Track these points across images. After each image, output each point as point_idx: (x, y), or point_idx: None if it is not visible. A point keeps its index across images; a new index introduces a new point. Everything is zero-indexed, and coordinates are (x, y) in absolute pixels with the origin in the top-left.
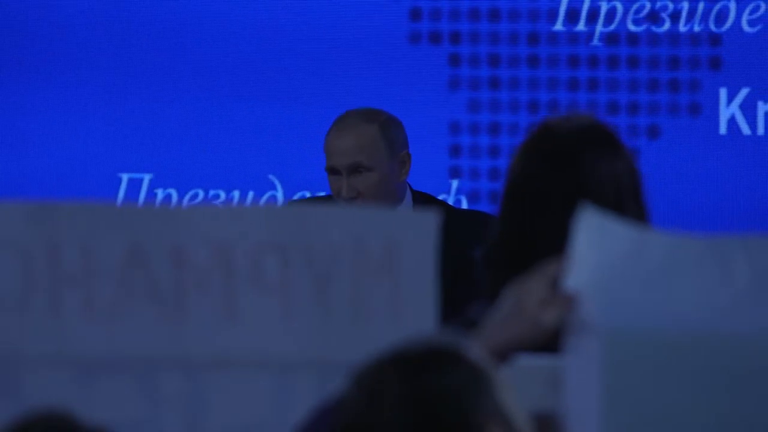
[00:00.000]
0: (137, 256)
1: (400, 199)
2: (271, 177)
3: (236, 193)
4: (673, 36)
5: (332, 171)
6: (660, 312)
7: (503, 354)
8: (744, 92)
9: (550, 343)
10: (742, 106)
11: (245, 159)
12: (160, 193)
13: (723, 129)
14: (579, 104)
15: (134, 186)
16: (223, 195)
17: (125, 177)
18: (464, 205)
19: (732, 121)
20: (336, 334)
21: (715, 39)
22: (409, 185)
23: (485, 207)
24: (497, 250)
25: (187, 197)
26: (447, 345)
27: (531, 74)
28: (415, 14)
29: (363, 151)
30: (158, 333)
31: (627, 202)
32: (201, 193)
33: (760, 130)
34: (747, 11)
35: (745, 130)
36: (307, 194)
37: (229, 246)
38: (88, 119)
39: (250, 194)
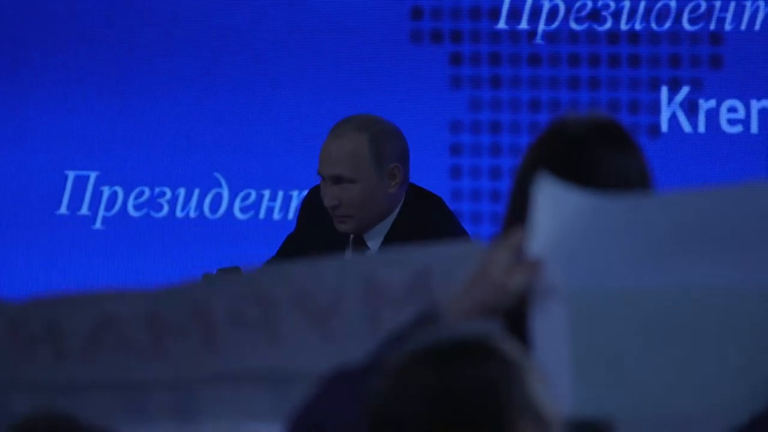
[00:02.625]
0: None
1: (391, 209)
2: (217, 175)
3: (182, 191)
4: (674, 35)
5: (321, 175)
6: (622, 271)
7: (473, 319)
8: (685, 90)
9: (516, 308)
10: (683, 104)
11: (191, 157)
12: (106, 191)
13: (665, 127)
14: (580, 103)
15: (80, 183)
16: (168, 192)
17: (71, 174)
18: (464, 205)
19: (673, 118)
20: None
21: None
22: (409, 188)
23: (486, 206)
24: None
25: (132, 195)
26: (480, 337)
27: (532, 73)
28: (417, 13)
29: (345, 162)
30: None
31: None
32: (147, 191)
33: (701, 128)
34: (688, 9)
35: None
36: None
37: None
38: (34, 117)
39: (196, 192)
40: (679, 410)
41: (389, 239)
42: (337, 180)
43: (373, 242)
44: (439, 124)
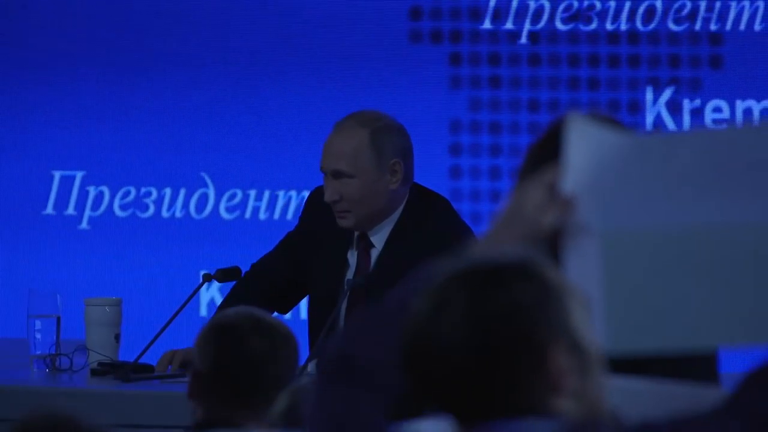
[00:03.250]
0: None
1: (394, 206)
2: (203, 175)
3: (168, 191)
4: (673, 34)
5: (322, 170)
6: (655, 208)
7: None
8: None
9: (551, 246)
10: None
11: (177, 157)
12: (92, 191)
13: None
14: (580, 103)
15: (66, 183)
16: (155, 192)
17: (57, 174)
18: (464, 205)
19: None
20: None
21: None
22: (414, 187)
23: (486, 206)
24: None
25: (118, 195)
26: (522, 260)
27: (532, 73)
28: (416, 13)
29: (344, 158)
30: None
31: None
32: (133, 191)
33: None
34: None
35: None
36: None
37: None
38: (21, 117)
39: (182, 192)
40: (708, 345)
41: (393, 237)
42: (337, 175)
43: (378, 240)
44: (439, 124)
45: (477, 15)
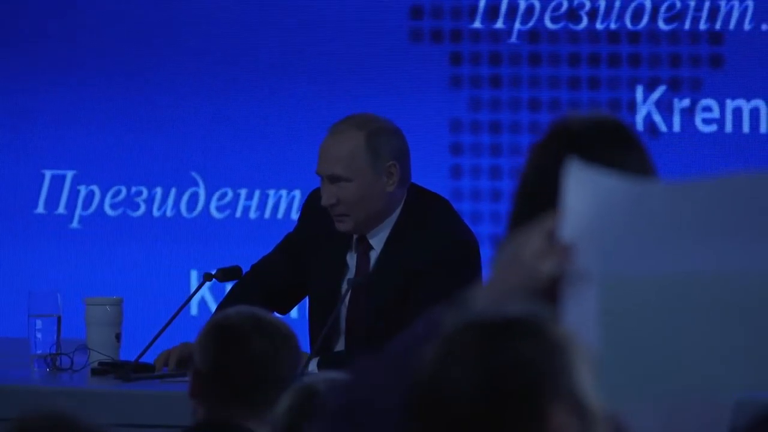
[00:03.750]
0: None
1: (391, 208)
2: (193, 174)
3: (158, 190)
4: (675, 34)
5: (319, 174)
6: (655, 255)
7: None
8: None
9: (549, 294)
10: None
11: (168, 156)
12: (83, 190)
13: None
14: (581, 102)
15: (57, 182)
16: (145, 192)
17: (48, 174)
18: (465, 205)
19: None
20: None
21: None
22: (412, 187)
23: (486, 205)
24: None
25: (109, 194)
26: (530, 316)
27: (532, 72)
28: (416, 12)
29: (340, 161)
30: None
31: None
32: (123, 190)
33: (676, 128)
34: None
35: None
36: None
37: None
38: (12, 116)
39: (172, 191)
40: (705, 397)
41: (392, 239)
42: (334, 179)
43: (377, 242)
44: (439, 124)
45: (477, 14)
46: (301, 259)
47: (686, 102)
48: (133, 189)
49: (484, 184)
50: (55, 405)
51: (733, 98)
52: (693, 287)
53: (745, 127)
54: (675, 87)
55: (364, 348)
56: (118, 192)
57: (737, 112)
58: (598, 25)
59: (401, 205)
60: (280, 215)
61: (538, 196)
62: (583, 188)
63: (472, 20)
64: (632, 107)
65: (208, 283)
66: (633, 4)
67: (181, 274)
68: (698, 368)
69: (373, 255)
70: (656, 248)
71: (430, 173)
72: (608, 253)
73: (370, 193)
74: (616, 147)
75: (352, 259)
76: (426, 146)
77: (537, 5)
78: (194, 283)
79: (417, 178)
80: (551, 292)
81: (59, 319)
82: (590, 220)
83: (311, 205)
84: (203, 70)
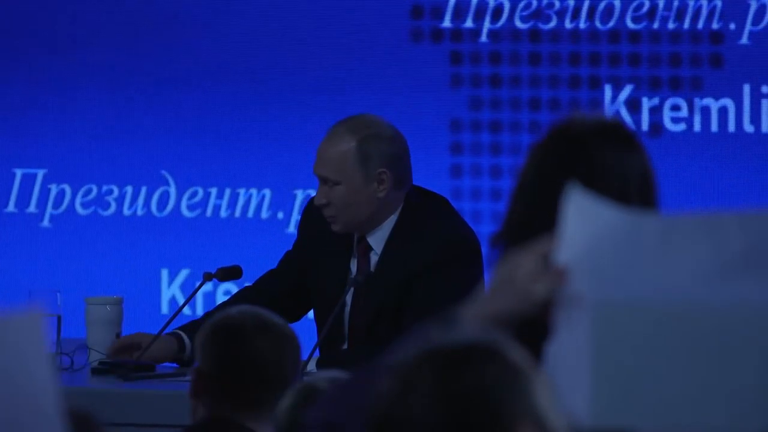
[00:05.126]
0: None
1: (386, 212)
2: (164, 173)
3: (129, 189)
4: (675, 34)
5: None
6: (650, 285)
7: (494, 325)
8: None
9: (540, 317)
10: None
11: (138, 155)
12: (53, 189)
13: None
14: (580, 101)
15: (28, 181)
16: (116, 190)
17: (19, 172)
18: (465, 204)
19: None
20: None
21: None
22: (412, 188)
23: (486, 205)
24: (505, 246)
25: (80, 193)
26: (486, 341)
27: (532, 72)
28: (417, 12)
29: (330, 164)
30: None
31: (634, 197)
32: (94, 189)
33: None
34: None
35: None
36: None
37: None
38: None
39: (143, 190)
40: (697, 425)
41: (391, 240)
42: (325, 180)
43: (376, 244)
44: (440, 123)
45: (478, 13)
46: (305, 266)
47: (655, 101)
48: (104, 188)
49: (484, 183)
50: (71, 403)
51: (701, 97)
52: (685, 319)
53: (748, 127)
54: (642, 85)
55: (365, 348)
56: (89, 191)
57: (705, 111)
58: (598, 24)
59: (401, 207)
60: (250, 214)
61: (536, 196)
62: (581, 215)
63: (473, 20)
64: (637, 107)
65: (181, 281)
66: (634, 3)
67: (152, 272)
68: (687, 402)
69: (373, 256)
70: (651, 279)
71: (430, 173)
72: (603, 280)
73: (358, 199)
74: (616, 148)
75: (354, 264)
76: (426, 146)
77: (536, 5)
78: (165, 282)
79: (417, 178)
80: (543, 315)
81: (59, 318)
82: (586, 247)
83: (311, 211)
84: (175, 70)
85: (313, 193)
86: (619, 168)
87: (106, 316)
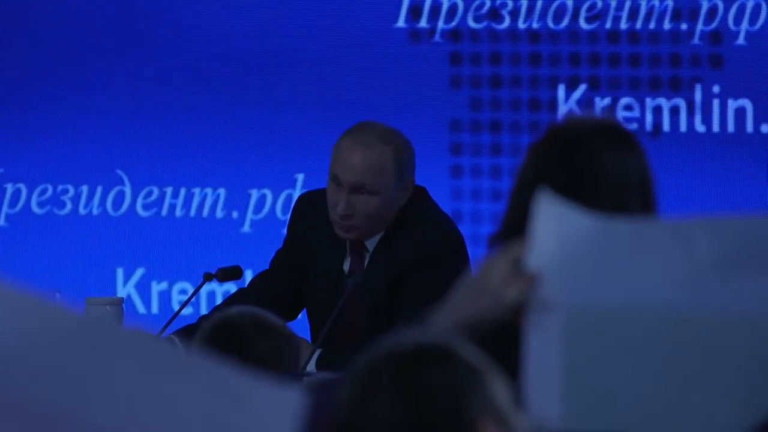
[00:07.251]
0: None
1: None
2: (119, 172)
3: (84, 188)
4: (675, 34)
5: (336, 180)
6: (621, 290)
7: (466, 329)
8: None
9: (512, 320)
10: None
11: (93, 154)
12: (9, 188)
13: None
14: (581, 102)
15: None
16: (71, 190)
17: None
18: (465, 204)
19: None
20: None
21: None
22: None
23: (486, 205)
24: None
25: (35, 192)
26: (440, 342)
27: (532, 72)
28: (416, 12)
29: (371, 173)
30: None
31: (632, 198)
32: (50, 188)
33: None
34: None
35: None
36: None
37: None
38: None
39: (98, 189)
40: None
41: (383, 239)
42: (358, 189)
43: (370, 243)
44: (440, 124)
45: (477, 14)
46: (298, 264)
47: (608, 100)
48: (60, 187)
49: (484, 183)
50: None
51: (654, 97)
52: (656, 324)
53: (749, 128)
54: (595, 85)
55: (361, 347)
56: (45, 190)
57: (657, 112)
58: (598, 24)
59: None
60: (205, 213)
61: (531, 195)
62: (551, 220)
63: (473, 20)
64: (637, 107)
65: (148, 279)
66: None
67: (107, 272)
68: (658, 407)
69: (366, 255)
70: (622, 285)
71: (430, 173)
72: (574, 285)
73: (389, 208)
74: (615, 148)
75: (347, 263)
76: (426, 146)
77: (538, 4)
78: (120, 281)
79: (417, 178)
80: (515, 319)
81: None
82: (557, 252)
83: (301, 211)
84: (129, 72)
85: (267, 193)
86: (619, 169)
87: (106, 316)
